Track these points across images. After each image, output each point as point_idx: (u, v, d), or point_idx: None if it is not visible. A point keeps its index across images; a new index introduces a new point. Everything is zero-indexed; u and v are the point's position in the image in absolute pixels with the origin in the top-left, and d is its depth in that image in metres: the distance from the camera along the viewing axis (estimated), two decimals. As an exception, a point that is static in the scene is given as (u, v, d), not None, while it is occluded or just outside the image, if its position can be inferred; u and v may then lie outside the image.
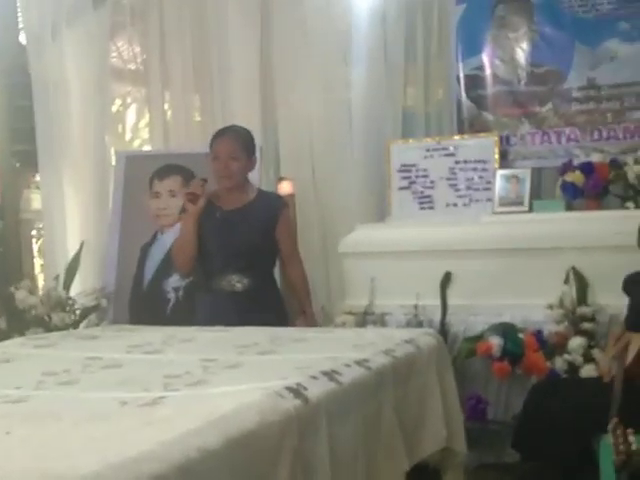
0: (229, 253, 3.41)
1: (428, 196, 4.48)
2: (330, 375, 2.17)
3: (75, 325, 4.08)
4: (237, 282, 3.41)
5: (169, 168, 4.44)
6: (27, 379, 2.28)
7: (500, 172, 4.26)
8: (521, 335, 3.58)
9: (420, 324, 3.68)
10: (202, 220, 3.49)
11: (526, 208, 4.10)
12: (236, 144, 3.50)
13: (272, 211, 3.51)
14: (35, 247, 5.32)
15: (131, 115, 6.01)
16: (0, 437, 1.71)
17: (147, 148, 5.58)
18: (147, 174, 4.46)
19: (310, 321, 3.56)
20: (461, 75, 4.63)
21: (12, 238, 4.77)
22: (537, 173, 4.37)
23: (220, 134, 3.56)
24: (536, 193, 4.27)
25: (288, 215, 3.61)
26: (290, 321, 3.53)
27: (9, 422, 1.84)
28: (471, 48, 4.61)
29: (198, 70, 5.14)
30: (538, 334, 3.59)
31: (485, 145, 4.41)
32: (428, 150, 4.52)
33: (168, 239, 4.36)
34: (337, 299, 4.30)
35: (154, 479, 1.49)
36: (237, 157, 3.48)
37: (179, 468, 1.56)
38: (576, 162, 4.14)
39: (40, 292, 4.40)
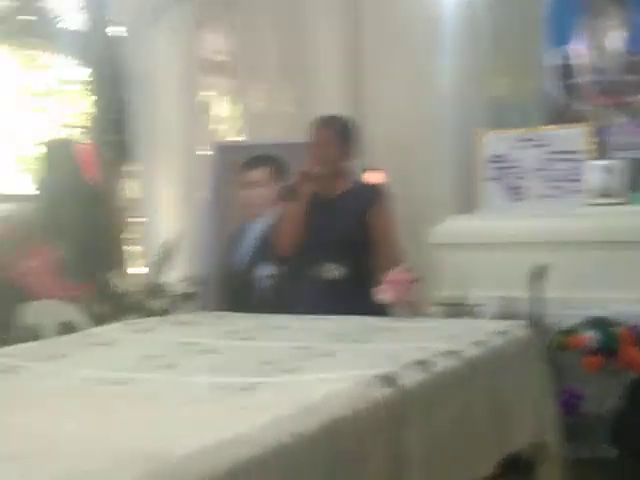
0: (326, 241, 3.42)
1: (519, 187, 4.42)
2: (422, 365, 2.17)
3: (169, 311, 4.17)
4: (334, 270, 3.41)
5: (258, 158, 4.47)
6: (126, 362, 2.35)
7: (594, 163, 4.17)
8: (616, 329, 3.51)
9: (512, 316, 3.63)
10: None
11: (622, 200, 4.00)
12: (334, 131, 3.50)
13: (368, 200, 3.49)
14: (131, 235, 5.46)
15: (221, 107, 6.11)
16: (100, 417, 1.78)
17: (238, 139, 5.65)
18: (237, 164, 4.51)
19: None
20: (552, 64, 4.55)
21: (108, 226, 4.91)
22: (633, 164, 4.26)
23: (319, 121, 3.58)
24: (632, 185, 4.16)
25: (384, 204, 3.54)
26: (386, 310, 3.48)
27: (109, 403, 1.90)
28: (563, 36, 4.53)
29: (287, 60, 5.18)
30: (634, 328, 3.51)
31: (577, 135, 4.33)
32: (519, 140, 4.46)
33: (258, 228, 4.41)
34: (427, 290, 4.28)
35: (250, 462, 1.52)
36: (335, 144, 3.48)
37: (274, 452, 1.59)
38: (674, 152, 4.03)
39: (136, 279, 4.51)
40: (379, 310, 3.18)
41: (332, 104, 4.87)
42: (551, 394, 2.81)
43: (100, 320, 3.82)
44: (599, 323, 3.54)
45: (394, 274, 3.00)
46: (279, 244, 3.61)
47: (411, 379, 2.07)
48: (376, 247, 3.51)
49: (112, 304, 4.17)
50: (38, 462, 1.46)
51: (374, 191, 3.57)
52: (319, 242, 3.43)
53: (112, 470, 1.40)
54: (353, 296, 3.27)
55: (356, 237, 3.44)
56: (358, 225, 3.44)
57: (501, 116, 4.78)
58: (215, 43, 5.59)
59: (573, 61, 4.49)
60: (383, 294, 3.01)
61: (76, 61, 5.56)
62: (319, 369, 2.17)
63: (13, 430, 1.69)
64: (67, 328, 3.71)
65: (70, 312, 3.98)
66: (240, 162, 4.51)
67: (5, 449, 1.54)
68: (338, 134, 3.51)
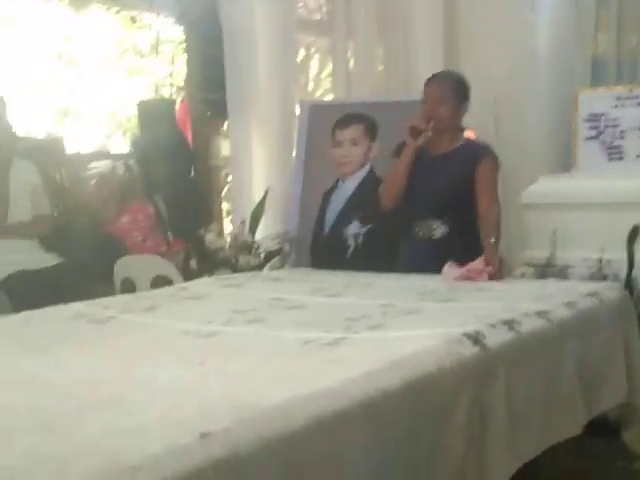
0: (430, 198, 3.39)
1: (617, 146, 4.30)
2: (509, 324, 2.17)
3: (259, 267, 4.24)
4: (435, 229, 3.39)
5: (351, 117, 4.48)
6: (217, 316, 2.42)
7: (698, 122, 4.02)
8: None
9: (604, 278, 3.56)
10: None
11: None
12: (445, 88, 3.45)
13: (476, 158, 3.42)
14: (224, 192, 5.56)
15: (315, 65, 6.11)
16: (194, 368, 1.84)
17: (330, 98, 5.65)
18: (330, 123, 4.51)
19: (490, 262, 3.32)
20: (659, 18, 4.38)
21: (203, 183, 5.01)
22: None
23: (432, 78, 3.53)
24: None
25: (490, 166, 3.45)
26: None
27: (202, 354, 1.97)
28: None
29: (382, 20, 5.13)
30: None
31: (681, 93, 4.16)
32: (619, 99, 4.32)
33: (349, 187, 4.42)
34: (517, 250, 4.23)
35: (337, 414, 1.56)
36: (445, 101, 3.42)
37: (361, 405, 1.62)
38: None
39: (228, 235, 4.60)
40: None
41: (425, 64, 4.81)
42: (642, 357, 2.76)
43: (193, 275, 3.93)
44: (696, 287, 3.44)
45: (474, 265, 2.97)
46: (383, 198, 3.60)
47: (498, 338, 2.07)
48: (478, 207, 3.43)
49: (205, 260, 4.27)
50: (132, 408, 1.53)
51: (484, 150, 3.49)
52: (425, 199, 3.40)
53: (201, 418, 1.46)
54: (455, 255, 3.20)
55: (462, 196, 3.37)
56: (464, 184, 3.37)
57: (602, 74, 4.64)
58: (313, 2, 5.59)
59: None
60: (451, 275, 2.99)
61: (173, 20, 5.66)
62: (405, 326, 2.19)
63: (108, 378, 1.77)
64: (161, 282, 3.83)
65: (164, 267, 4.10)
66: (333, 121, 4.52)
67: (100, 394, 1.62)
68: (453, 91, 3.46)
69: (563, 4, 4.67)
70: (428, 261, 3.20)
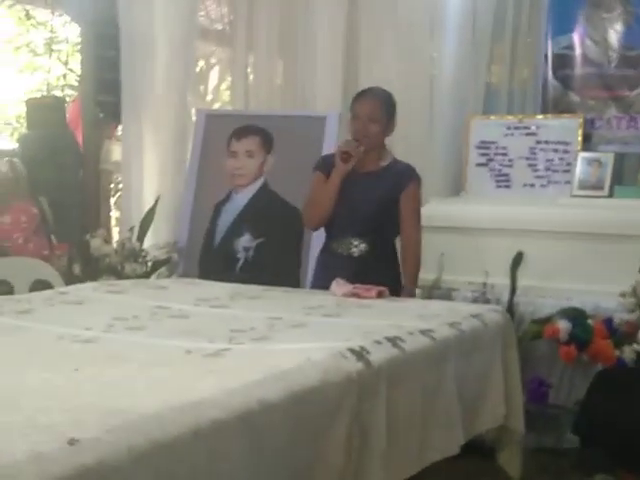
0: (353, 216, 3.34)
1: (505, 174, 4.42)
2: (394, 341, 2.17)
3: (146, 276, 4.15)
4: (355, 247, 3.35)
5: (248, 128, 4.45)
6: (98, 322, 2.34)
7: (582, 155, 4.18)
8: (590, 321, 3.52)
9: (487, 302, 3.64)
10: None
11: (606, 193, 4.01)
12: (377, 106, 3.37)
13: (401, 180, 3.38)
14: (113, 198, 5.43)
15: (214, 76, 6.06)
16: (69, 373, 1.77)
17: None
18: (226, 133, 4.48)
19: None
20: (549, 54, 4.55)
21: (91, 187, 4.87)
22: (620, 158, 4.27)
23: (362, 94, 3.46)
24: (617, 178, 4.17)
25: (416, 187, 3.41)
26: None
27: (78, 360, 1.90)
28: (562, 26, 4.52)
29: (283, 35, 5.14)
30: (608, 322, 3.52)
31: (568, 126, 4.33)
32: (509, 128, 4.46)
33: (242, 199, 4.39)
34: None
35: (214, 424, 1.52)
36: (376, 119, 3.35)
37: (239, 417, 1.59)
38: (662, 149, 4.03)
39: (115, 242, 4.49)
40: (394, 292, 3.13)
41: (324, 81, 4.85)
42: (520, 381, 2.82)
43: (76, 281, 3.80)
44: (575, 314, 3.55)
45: (363, 288, 2.98)
46: (306, 219, 3.54)
47: (381, 355, 2.07)
48: (401, 232, 3.41)
49: (89, 266, 4.15)
50: (-4, 412, 1.45)
51: (409, 172, 3.44)
52: (348, 217, 3.35)
53: (70, 424, 1.39)
54: (371, 274, 3.18)
55: (385, 216, 3.35)
56: (388, 204, 3.34)
57: (494, 103, 4.78)
58: (215, 11, 5.55)
59: (571, 52, 4.49)
60: (339, 291, 2.99)
61: (70, 18, 5.50)
62: (290, 339, 2.17)
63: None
64: (42, 286, 3.69)
65: (46, 271, 3.96)
66: (229, 131, 4.48)
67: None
68: (384, 108, 3.39)
69: (461, 34, 4.79)
70: (345, 277, 3.14)
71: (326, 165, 3.43)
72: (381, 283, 3.05)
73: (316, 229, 3.60)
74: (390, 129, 3.44)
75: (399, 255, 3.42)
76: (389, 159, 3.45)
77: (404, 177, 3.39)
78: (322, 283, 3.27)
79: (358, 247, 3.34)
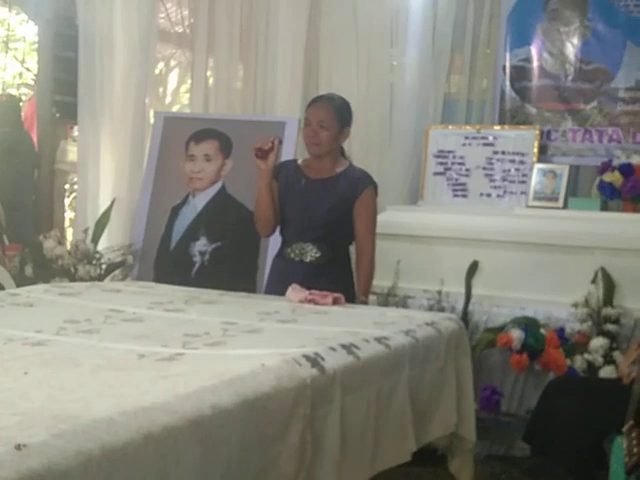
0: (306, 222, 3.32)
1: (463, 184, 4.46)
2: (348, 348, 2.17)
3: (100, 279, 4.11)
4: (308, 252, 3.32)
5: (207, 132, 4.44)
6: (49, 324, 2.30)
7: (538, 166, 4.22)
8: (543, 331, 3.56)
9: (442, 310, 3.66)
10: (287, 186, 3.38)
11: (561, 204, 4.06)
12: (328, 112, 3.33)
13: (357, 186, 3.35)
14: (67, 199, 5.37)
15: (173, 78, 6.03)
16: (18, 376, 1.73)
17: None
18: (184, 136, 4.46)
19: None
20: (507, 65, 4.60)
21: (45, 187, 4.81)
22: (575, 170, 4.34)
23: (315, 100, 3.43)
24: (572, 190, 4.23)
25: (371, 195, 3.38)
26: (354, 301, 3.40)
27: (28, 363, 1.86)
28: (520, 39, 4.57)
29: (244, 39, 5.14)
30: (560, 331, 3.57)
31: (525, 138, 4.37)
32: (467, 138, 4.49)
33: (199, 202, 4.37)
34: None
35: (166, 429, 1.51)
36: (328, 126, 3.31)
37: (191, 422, 1.57)
38: (616, 163, 4.09)
39: (68, 243, 4.43)
40: (347, 299, 3.11)
41: (284, 87, 4.85)
42: (472, 389, 2.83)
43: (28, 283, 3.75)
44: (527, 323, 3.58)
45: (319, 294, 2.97)
46: (256, 225, 3.49)
47: (336, 361, 2.06)
48: (355, 234, 3.39)
49: (42, 267, 4.10)
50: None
51: (364, 179, 3.41)
52: (301, 223, 3.33)
53: (18, 429, 1.36)
54: (324, 281, 3.16)
55: (338, 223, 3.32)
56: (342, 211, 3.32)
57: (452, 113, 4.82)
58: (175, 14, 5.52)
59: (529, 64, 4.54)
60: (295, 297, 2.98)
61: (27, 17, 5.44)
62: (244, 345, 2.15)
63: None
64: (-7, 287, 3.63)
65: (-3, 272, 3.90)
66: (187, 134, 4.46)
67: None
68: (336, 114, 3.35)
69: (421, 44, 4.82)
70: (297, 282, 3.12)
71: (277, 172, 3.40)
72: (333, 289, 3.04)
73: (266, 235, 3.57)
74: (343, 136, 3.40)
75: (353, 262, 3.42)
76: (345, 165, 3.43)
77: (359, 184, 3.37)
78: (275, 288, 3.26)
79: (311, 253, 3.32)
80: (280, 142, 3.33)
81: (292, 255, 3.35)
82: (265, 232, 3.51)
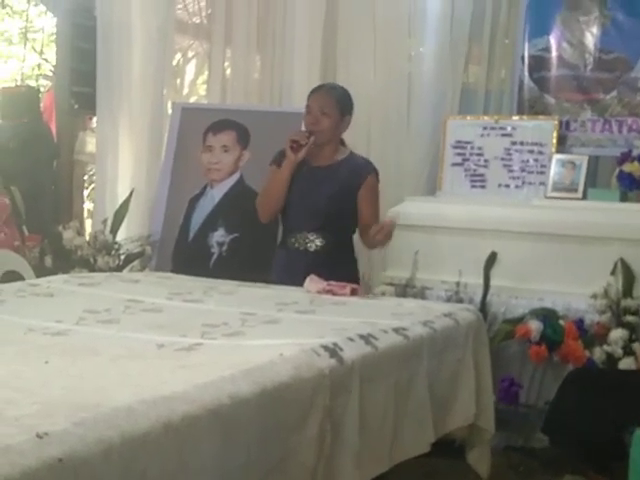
0: (309, 211, 3.34)
1: (481, 175, 4.43)
2: (367, 339, 2.17)
3: (119, 269, 4.13)
4: (311, 241, 3.34)
5: (224, 123, 4.44)
6: (69, 314, 2.32)
7: (556, 157, 4.19)
8: (562, 322, 3.55)
9: (460, 301, 3.66)
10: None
11: (580, 195, 4.03)
12: (329, 100, 3.39)
13: (359, 174, 3.39)
14: (86, 190, 5.39)
15: (190, 69, 6.04)
16: (38, 366, 1.75)
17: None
18: (202, 127, 4.46)
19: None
20: (526, 55, 4.56)
21: (65, 178, 4.84)
22: (594, 161, 4.30)
23: (317, 88, 3.49)
24: (591, 181, 4.20)
25: (374, 182, 3.43)
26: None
27: (48, 353, 1.87)
28: (539, 28, 4.53)
29: (262, 29, 5.14)
30: (579, 323, 3.55)
31: (544, 128, 4.34)
32: (485, 128, 4.47)
33: (217, 193, 4.38)
34: (378, 269, 4.29)
35: (185, 418, 1.51)
36: (328, 113, 3.36)
37: (210, 411, 1.58)
38: (635, 153, 4.05)
39: (87, 234, 4.45)
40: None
41: (302, 77, 4.84)
42: (491, 380, 2.82)
43: (47, 273, 3.77)
44: (546, 315, 3.57)
45: (337, 285, 2.97)
46: (259, 211, 3.51)
47: (354, 352, 2.06)
48: (359, 222, 3.41)
49: (61, 258, 4.12)
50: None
51: (367, 166, 3.46)
52: (303, 211, 3.36)
53: (38, 417, 1.37)
54: (328, 269, 3.16)
55: (341, 210, 3.35)
56: (345, 198, 3.35)
57: (471, 103, 4.80)
58: (193, 4, 5.53)
59: (548, 54, 4.51)
60: (313, 288, 2.98)
61: (46, 8, 5.46)
62: (263, 335, 2.16)
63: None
64: (12, 278, 3.65)
65: (17, 262, 3.92)
66: (205, 125, 4.46)
67: None
68: (337, 103, 3.40)
69: (439, 34, 4.80)
70: (302, 272, 3.14)
71: (282, 158, 3.43)
72: (337, 278, 3.05)
73: (269, 221, 3.58)
74: (344, 125, 3.45)
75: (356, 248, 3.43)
76: (345, 153, 3.46)
77: (362, 171, 3.41)
78: (280, 278, 3.27)
79: (314, 242, 3.35)
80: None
81: (296, 245, 3.37)
82: (269, 218, 3.53)
